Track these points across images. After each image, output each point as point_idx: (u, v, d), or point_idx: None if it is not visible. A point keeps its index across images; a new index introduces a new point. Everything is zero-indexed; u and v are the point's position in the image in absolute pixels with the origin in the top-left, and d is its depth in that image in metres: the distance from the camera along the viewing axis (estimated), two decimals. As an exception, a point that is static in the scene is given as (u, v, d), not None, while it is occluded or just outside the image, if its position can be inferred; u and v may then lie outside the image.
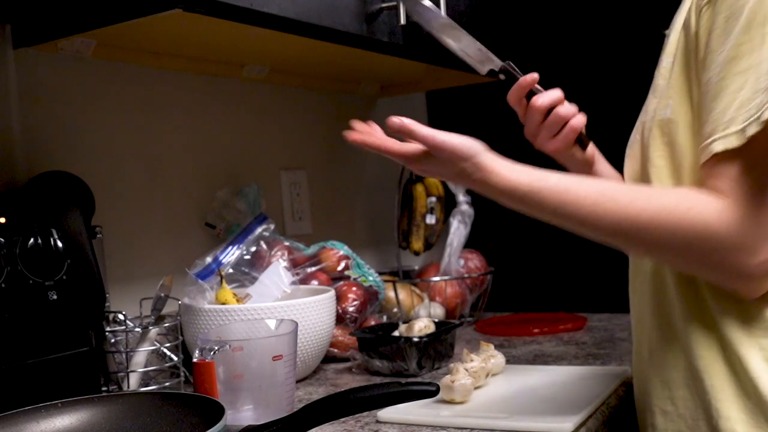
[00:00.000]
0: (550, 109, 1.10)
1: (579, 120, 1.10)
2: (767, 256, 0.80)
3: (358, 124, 0.97)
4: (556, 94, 1.10)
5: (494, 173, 0.90)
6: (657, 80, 0.96)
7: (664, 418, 0.93)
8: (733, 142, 0.79)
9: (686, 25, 0.90)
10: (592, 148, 1.16)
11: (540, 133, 1.12)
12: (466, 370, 1.08)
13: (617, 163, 1.13)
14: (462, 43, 1.12)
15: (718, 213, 0.80)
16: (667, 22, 1.00)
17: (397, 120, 0.93)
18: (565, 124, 1.10)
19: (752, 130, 0.78)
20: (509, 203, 0.91)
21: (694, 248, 0.82)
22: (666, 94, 0.92)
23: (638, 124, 1.02)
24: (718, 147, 0.80)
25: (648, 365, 0.97)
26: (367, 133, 0.97)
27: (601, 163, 1.18)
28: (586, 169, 1.16)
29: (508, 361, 1.23)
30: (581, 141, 1.12)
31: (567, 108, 1.10)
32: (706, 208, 0.81)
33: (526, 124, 1.13)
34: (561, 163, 1.16)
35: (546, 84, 1.12)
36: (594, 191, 0.87)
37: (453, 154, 0.92)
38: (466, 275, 1.70)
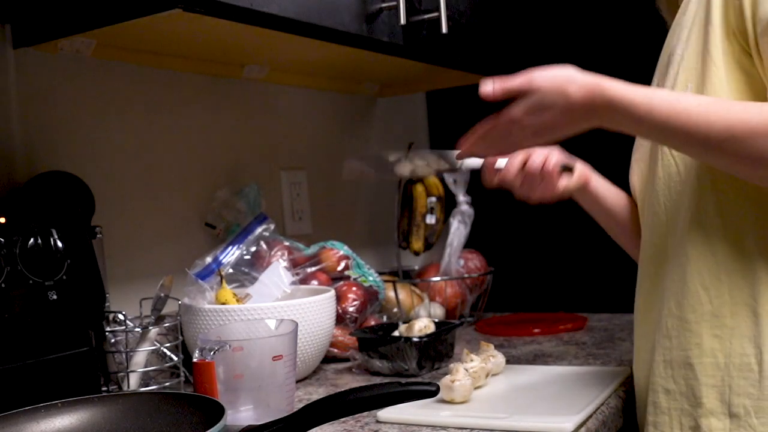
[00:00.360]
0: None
1: (553, 159, 1.10)
2: None
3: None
4: (516, 157, 1.09)
5: (609, 87, 0.86)
6: (669, 70, 0.96)
7: (667, 396, 0.94)
8: None
9: (705, 10, 0.90)
10: (582, 168, 1.15)
11: (528, 190, 1.12)
12: (466, 370, 1.08)
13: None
14: (425, 163, 1.12)
15: None
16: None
17: (488, 88, 0.89)
18: (543, 169, 1.10)
19: None
20: (624, 121, 0.86)
21: None
22: (681, 77, 0.92)
23: None
24: None
25: (651, 347, 0.98)
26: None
27: (595, 179, 1.18)
28: (582, 193, 1.17)
29: (508, 361, 1.23)
30: (566, 169, 1.12)
31: (535, 158, 1.09)
32: None
33: (513, 190, 1.13)
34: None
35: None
36: (704, 100, 0.85)
37: (553, 75, 0.87)
38: (466, 275, 1.70)
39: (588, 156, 1.18)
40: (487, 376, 1.14)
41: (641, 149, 1.01)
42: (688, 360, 0.92)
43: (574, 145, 1.10)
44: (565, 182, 1.12)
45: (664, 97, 0.85)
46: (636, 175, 1.06)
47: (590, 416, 0.98)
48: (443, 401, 1.04)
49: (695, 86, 0.90)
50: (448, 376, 1.05)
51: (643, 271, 1.03)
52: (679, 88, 0.92)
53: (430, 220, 1.83)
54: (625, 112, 0.85)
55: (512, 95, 0.88)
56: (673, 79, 0.95)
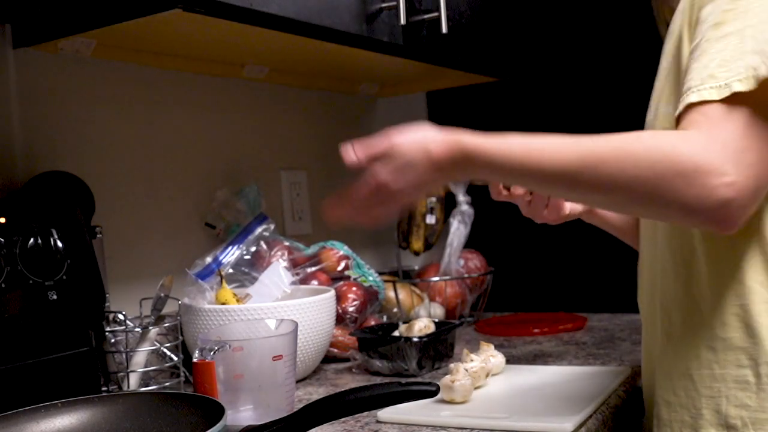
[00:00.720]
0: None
1: None
2: (736, 177, 0.76)
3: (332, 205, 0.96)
4: None
5: (467, 140, 0.88)
6: (655, 83, 0.97)
7: (668, 409, 0.94)
8: (713, 95, 0.79)
9: (680, 23, 0.91)
10: None
11: (534, 212, 1.13)
12: (466, 370, 1.08)
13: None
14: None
15: (683, 136, 0.79)
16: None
17: (351, 155, 0.91)
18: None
19: (737, 87, 0.78)
20: (485, 170, 0.88)
21: (661, 174, 0.77)
22: (662, 92, 0.93)
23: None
24: (694, 98, 0.80)
25: (654, 359, 0.98)
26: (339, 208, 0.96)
27: None
28: (589, 215, 1.19)
29: (508, 361, 1.23)
30: None
31: None
32: (669, 135, 0.81)
33: (520, 208, 1.15)
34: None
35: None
36: (559, 138, 0.85)
37: (413, 136, 0.89)
38: (466, 275, 1.70)
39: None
40: (487, 376, 1.14)
41: None
42: (687, 371, 0.91)
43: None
44: (570, 206, 1.14)
45: (519, 141, 0.86)
46: None
47: (590, 416, 0.98)
48: (443, 401, 1.04)
49: (666, 101, 0.91)
50: (448, 376, 1.05)
51: (642, 282, 1.03)
52: (665, 101, 0.93)
53: (430, 220, 1.83)
54: (484, 161, 0.87)
55: (375, 158, 0.90)
56: (659, 92, 0.96)
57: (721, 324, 0.88)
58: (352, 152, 0.91)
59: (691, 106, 0.80)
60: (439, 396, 0.98)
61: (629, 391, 1.11)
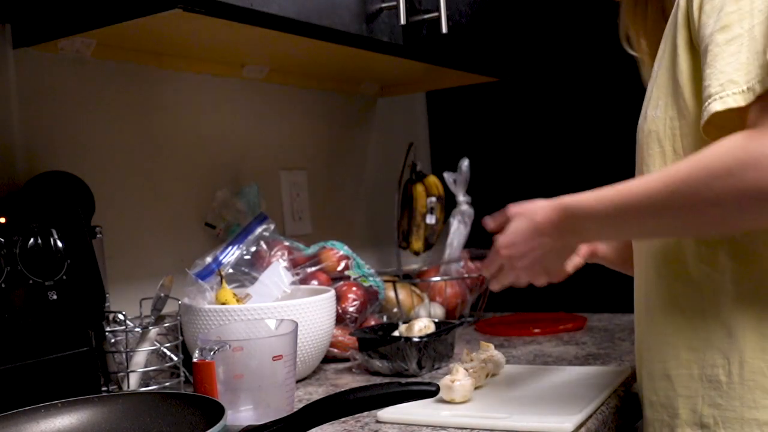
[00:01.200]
0: None
1: None
2: None
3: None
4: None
5: (568, 199, 0.92)
6: (649, 87, 0.97)
7: (651, 409, 0.96)
8: (739, 101, 0.78)
9: (674, 24, 0.91)
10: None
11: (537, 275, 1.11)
12: (466, 370, 1.08)
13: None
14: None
15: (734, 141, 0.78)
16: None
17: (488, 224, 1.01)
18: None
19: (759, 89, 0.78)
20: (587, 224, 0.91)
21: (738, 175, 0.76)
22: (654, 94, 0.93)
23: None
24: (718, 106, 0.79)
25: (640, 357, 1.00)
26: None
27: (600, 246, 1.24)
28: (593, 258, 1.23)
29: (508, 361, 1.23)
30: None
31: None
32: (723, 144, 0.79)
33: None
34: None
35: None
36: (643, 178, 0.87)
37: (522, 205, 0.96)
38: (466, 275, 1.70)
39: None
40: (487, 376, 1.14)
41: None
42: (666, 372, 0.93)
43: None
44: (574, 262, 1.16)
45: (608, 188, 0.88)
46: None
47: (590, 416, 0.98)
48: (443, 401, 1.04)
49: (664, 104, 0.91)
50: (448, 376, 1.05)
51: (637, 284, 1.04)
52: (653, 105, 0.94)
53: (430, 220, 1.83)
54: (583, 212, 0.90)
55: (501, 227, 1.00)
56: (649, 96, 0.96)
57: (705, 326, 0.89)
58: (488, 223, 1.03)
59: (717, 115, 0.80)
60: (439, 396, 0.98)
61: (629, 391, 1.11)
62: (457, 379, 1.04)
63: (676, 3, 0.92)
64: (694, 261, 0.90)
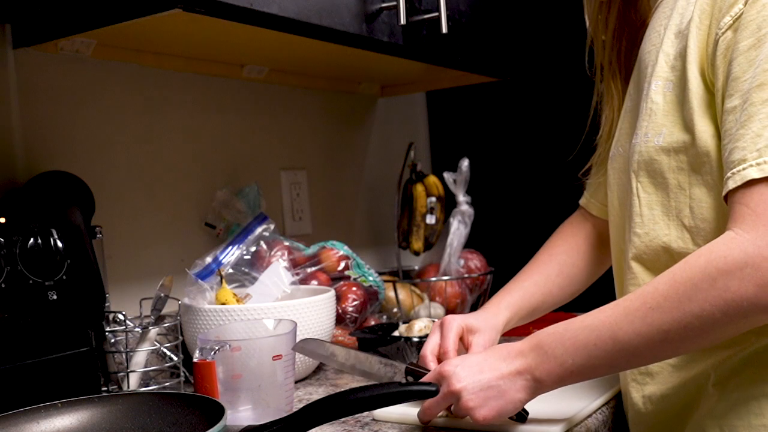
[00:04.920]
0: None
1: None
2: None
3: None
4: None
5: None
6: (643, 102, 0.94)
7: (633, 411, 0.99)
8: None
9: (685, 53, 0.88)
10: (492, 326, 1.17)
11: None
12: (466, 370, 1.07)
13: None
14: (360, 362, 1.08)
15: (738, 242, 0.76)
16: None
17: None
18: None
19: None
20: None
21: (734, 291, 0.74)
22: (658, 120, 0.91)
23: (618, 136, 1.03)
24: (755, 174, 0.76)
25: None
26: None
27: (514, 317, 1.24)
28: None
29: (508, 361, 1.23)
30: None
31: None
32: (716, 246, 0.78)
33: None
34: None
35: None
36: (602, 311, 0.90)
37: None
38: (466, 275, 1.70)
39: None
40: (487, 376, 1.14)
41: (619, 159, 1.02)
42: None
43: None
44: None
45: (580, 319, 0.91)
46: (614, 182, 1.04)
47: (589, 416, 0.98)
48: (443, 401, 1.04)
49: (669, 132, 0.89)
50: (447, 376, 1.05)
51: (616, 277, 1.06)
52: (614, 139, 0.95)
53: (430, 220, 1.83)
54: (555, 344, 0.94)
55: None
56: (618, 131, 0.97)
57: None
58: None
59: (753, 182, 0.76)
60: (438, 396, 0.97)
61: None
62: (457, 379, 1.04)
63: (680, 34, 0.89)
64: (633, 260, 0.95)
